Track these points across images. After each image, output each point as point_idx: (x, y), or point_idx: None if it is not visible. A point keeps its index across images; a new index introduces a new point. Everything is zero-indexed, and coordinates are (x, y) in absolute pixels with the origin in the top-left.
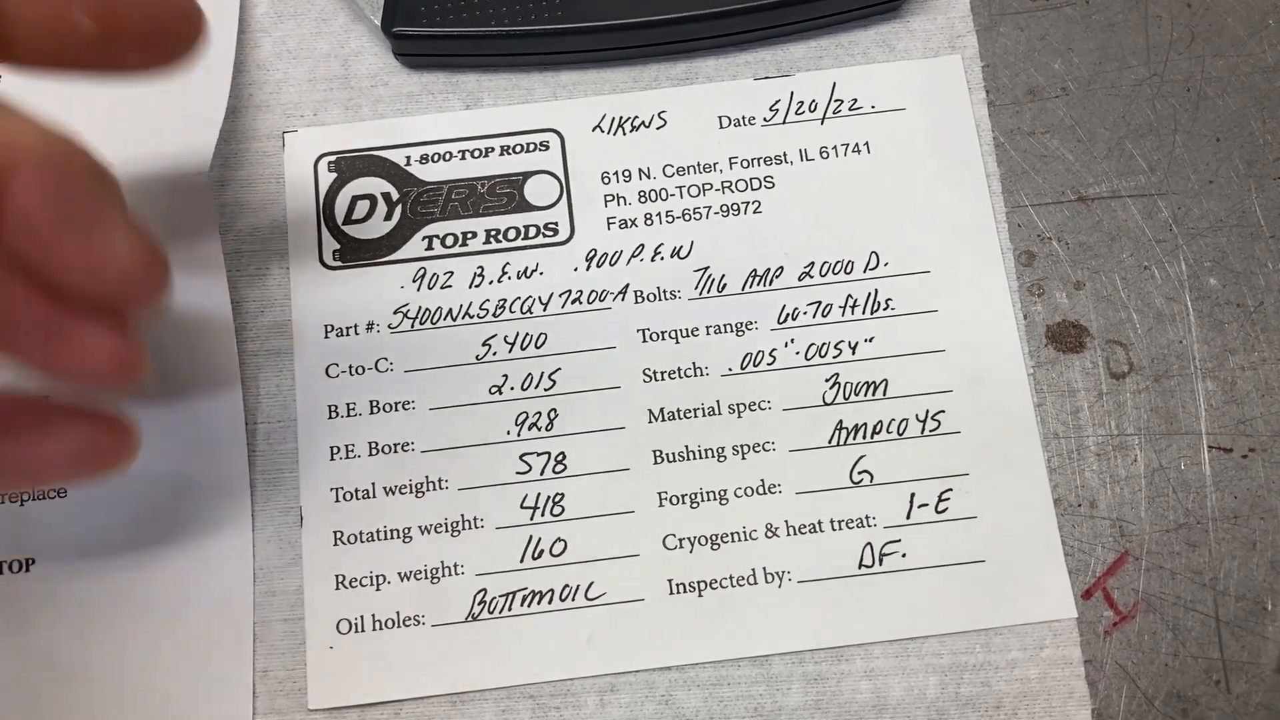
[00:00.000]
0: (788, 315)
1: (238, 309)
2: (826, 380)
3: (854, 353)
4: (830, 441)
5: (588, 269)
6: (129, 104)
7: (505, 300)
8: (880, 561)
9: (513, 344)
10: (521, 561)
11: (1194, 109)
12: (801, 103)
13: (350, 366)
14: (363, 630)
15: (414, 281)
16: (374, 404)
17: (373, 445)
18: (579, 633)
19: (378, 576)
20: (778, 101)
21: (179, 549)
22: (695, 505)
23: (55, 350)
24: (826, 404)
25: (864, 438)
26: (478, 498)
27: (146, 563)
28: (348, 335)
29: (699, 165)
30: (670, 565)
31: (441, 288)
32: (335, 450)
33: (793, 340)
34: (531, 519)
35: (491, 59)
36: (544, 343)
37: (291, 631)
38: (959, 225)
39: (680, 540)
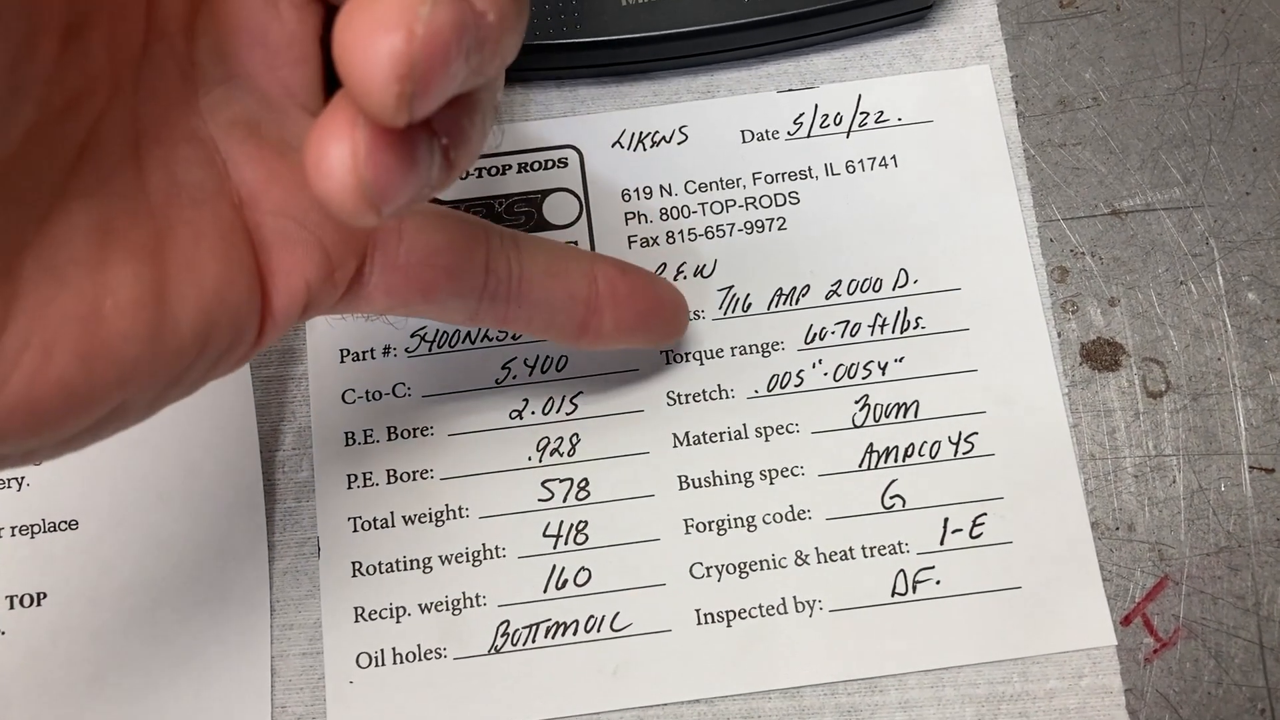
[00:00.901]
0: (815, 335)
1: None
2: (856, 402)
3: (884, 373)
4: (861, 465)
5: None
6: None
7: None
8: (914, 589)
9: (533, 367)
10: (545, 592)
11: (1229, 118)
12: (826, 116)
13: (367, 392)
14: (383, 664)
15: None
16: (392, 430)
17: (391, 473)
18: (605, 665)
19: (398, 608)
20: (802, 115)
21: (193, 582)
22: (723, 532)
23: None
24: (856, 426)
25: (895, 461)
26: (499, 526)
27: (160, 597)
28: (364, 360)
29: (722, 181)
30: (698, 594)
31: None
32: (353, 478)
33: (820, 361)
34: (555, 548)
35: (508, 74)
36: (565, 366)
37: (310, 666)
38: (989, 240)
39: (708, 569)
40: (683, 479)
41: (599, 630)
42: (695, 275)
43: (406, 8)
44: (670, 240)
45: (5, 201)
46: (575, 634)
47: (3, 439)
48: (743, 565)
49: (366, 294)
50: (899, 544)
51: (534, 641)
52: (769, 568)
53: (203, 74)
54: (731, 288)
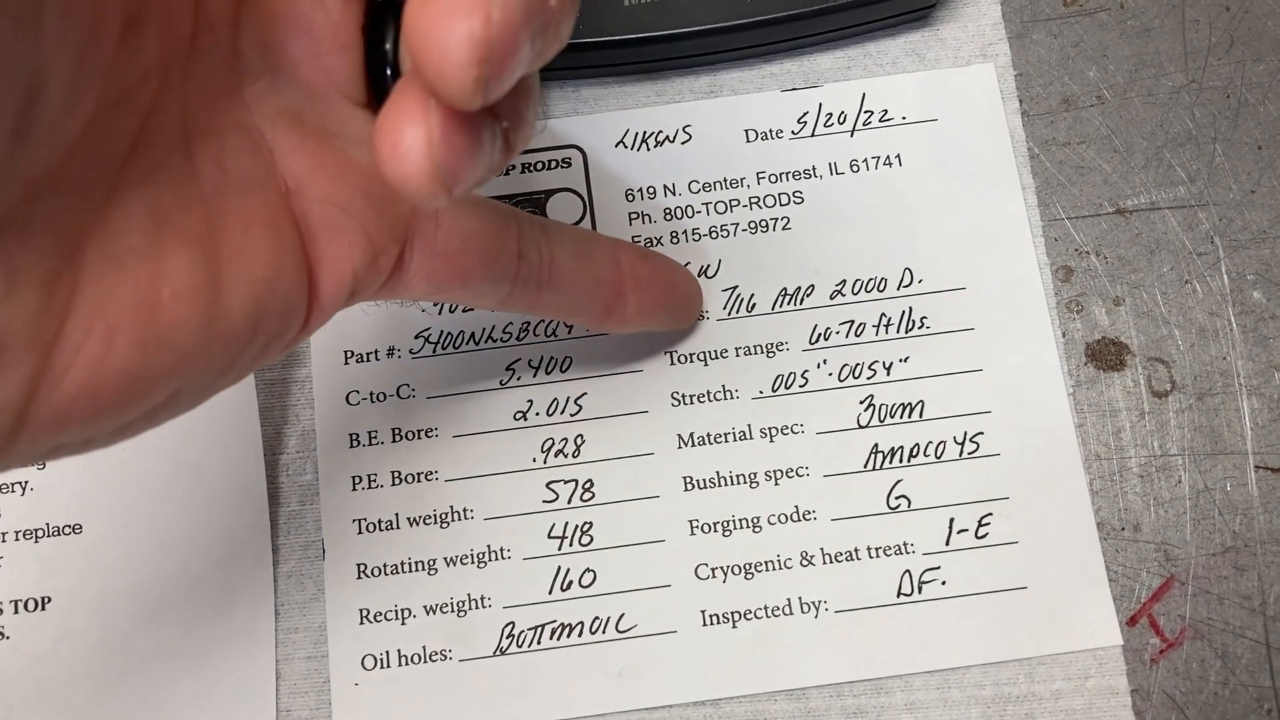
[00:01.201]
0: (819, 335)
1: None
2: (861, 402)
3: (889, 373)
4: (866, 466)
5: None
6: None
7: (529, 323)
8: (919, 589)
9: (537, 368)
10: (550, 593)
11: (1234, 116)
12: (830, 115)
13: (371, 393)
14: (388, 666)
15: (435, 305)
16: (396, 432)
17: (395, 474)
18: (610, 666)
19: (403, 610)
20: (805, 114)
21: (197, 586)
22: (728, 533)
23: None
24: (861, 426)
25: (900, 461)
26: (504, 527)
27: (164, 601)
28: (368, 361)
29: (725, 181)
30: (703, 596)
31: (463, 311)
32: (357, 480)
33: (825, 361)
34: (560, 549)
35: None
36: (569, 366)
37: (315, 669)
38: (994, 240)
39: (713, 570)
40: (688, 480)
41: (604, 631)
42: (700, 275)
43: None
44: (674, 240)
45: (67, 191)
46: (580, 635)
47: (65, 426)
48: (748, 566)
49: (407, 280)
50: (904, 544)
51: (539, 643)
52: (774, 569)
53: (247, 65)
54: (736, 288)
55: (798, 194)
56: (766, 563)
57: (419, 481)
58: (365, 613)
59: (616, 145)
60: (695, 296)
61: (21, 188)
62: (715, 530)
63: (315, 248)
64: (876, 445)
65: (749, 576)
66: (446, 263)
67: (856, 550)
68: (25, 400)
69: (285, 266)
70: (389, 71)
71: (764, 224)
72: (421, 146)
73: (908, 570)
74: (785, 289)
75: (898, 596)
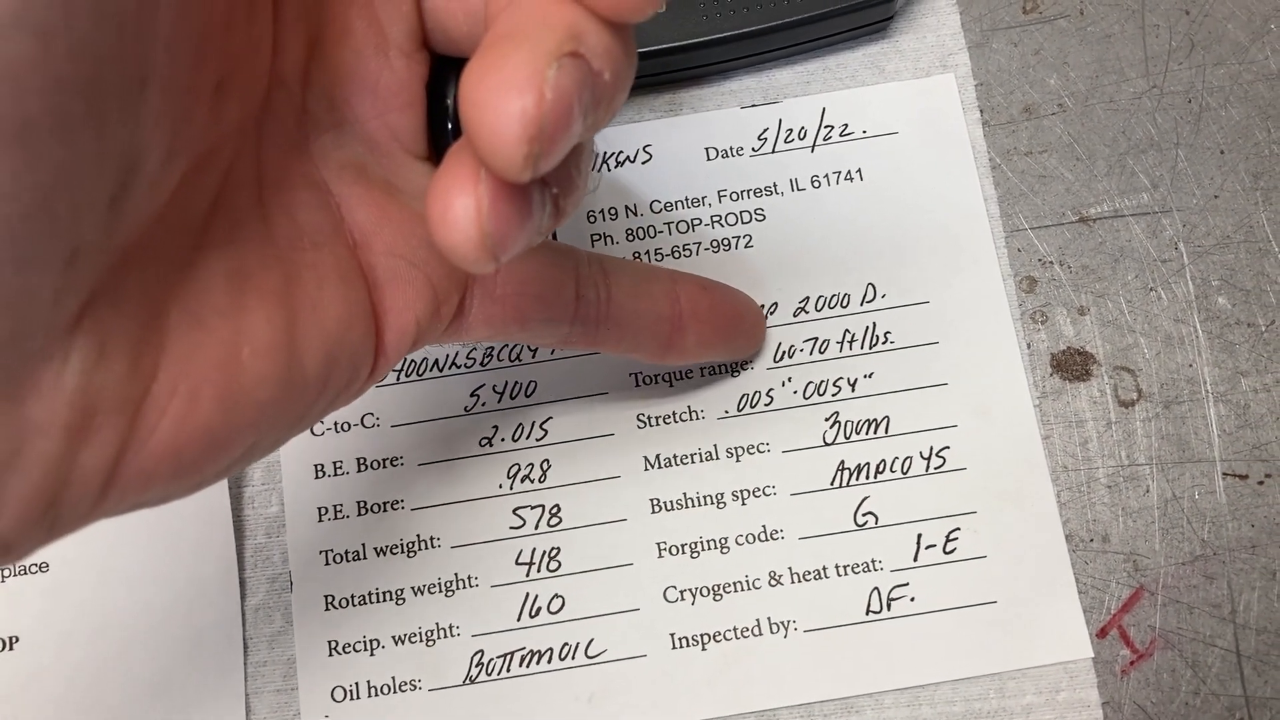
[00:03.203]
0: (784, 353)
1: None
2: (826, 419)
3: (854, 389)
4: (832, 483)
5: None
6: None
7: (492, 348)
8: (888, 606)
9: (502, 394)
10: (519, 620)
11: (1196, 121)
12: (790, 130)
13: (335, 423)
14: (358, 697)
15: None
16: (361, 462)
17: (361, 505)
18: (581, 692)
19: (371, 641)
20: (766, 130)
21: (165, 621)
22: (696, 555)
23: None
24: (827, 444)
25: (867, 478)
26: (471, 555)
27: (132, 637)
28: None
29: (687, 200)
30: (672, 618)
31: None
32: (323, 511)
33: (790, 379)
34: (527, 575)
35: None
36: (534, 391)
37: (285, 703)
38: (957, 252)
39: (681, 592)
40: (654, 502)
41: (574, 657)
42: None
43: (535, 70)
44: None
45: (155, 256)
46: (550, 662)
47: (150, 485)
48: (716, 588)
49: (468, 325)
50: (872, 562)
51: (509, 671)
52: (743, 589)
53: (314, 120)
54: None
55: (759, 211)
56: (735, 583)
57: (385, 511)
58: (334, 644)
59: None
60: (758, 327)
61: (114, 257)
62: (683, 552)
63: (381, 299)
64: (843, 462)
65: (718, 598)
66: (505, 307)
67: (824, 569)
68: (114, 462)
69: (355, 319)
70: (450, 128)
71: (726, 242)
72: (471, 216)
73: (876, 588)
74: None
75: (866, 614)
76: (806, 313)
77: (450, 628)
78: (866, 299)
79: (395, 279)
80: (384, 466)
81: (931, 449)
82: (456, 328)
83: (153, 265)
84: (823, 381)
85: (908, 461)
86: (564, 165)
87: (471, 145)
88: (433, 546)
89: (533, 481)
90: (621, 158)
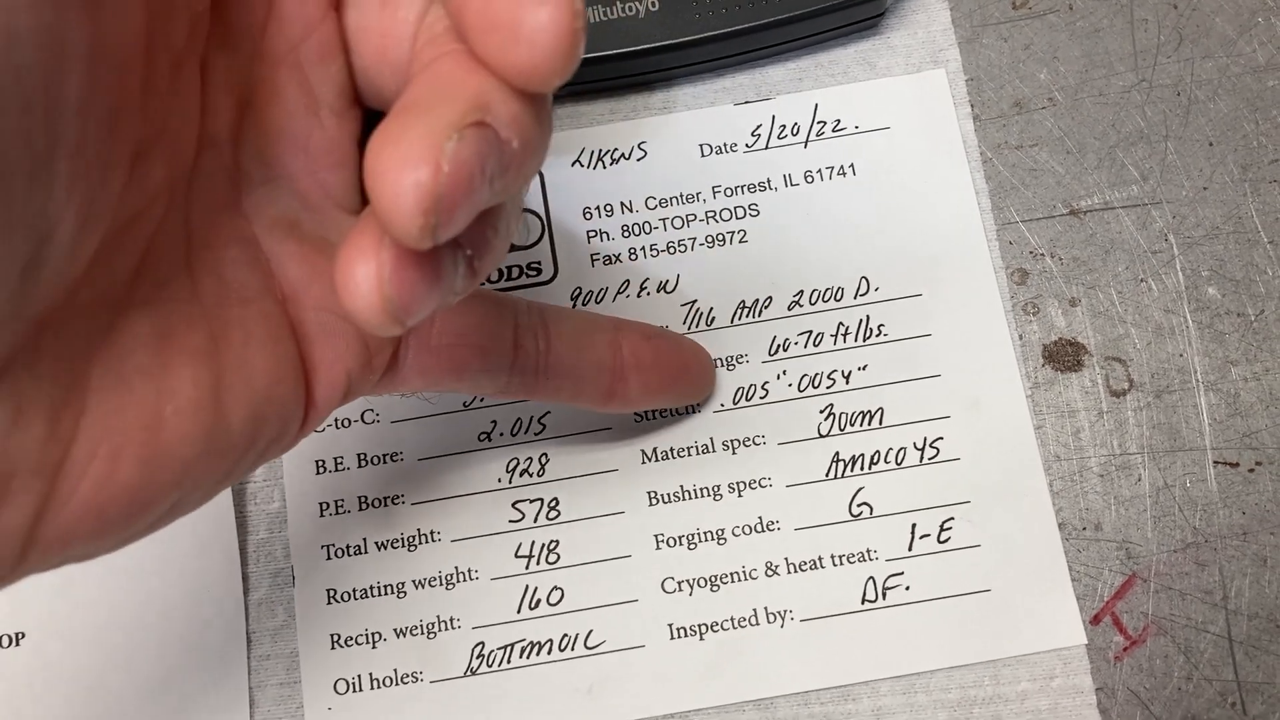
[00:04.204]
0: (778, 347)
1: None
2: (821, 411)
3: (848, 382)
4: (827, 475)
5: (573, 307)
6: None
7: None
8: (883, 596)
9: None
10: (519, 612)
11: (1185, 114)
12: (783, 126)
13: (336, 420)
14: (361, 690)
15: None
16: (362, 457)
17: (362, 499)
18: (580, 683)
19: (373, 634)
20: (759, 126)
21: (169, 617)
22: (693, 546)
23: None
24: (822, 436)
25: (862, 469)
26: (471, 549)
27: (136, 633)
28: None
29: (682, 196)
30: (670, 609)
31: None
32: (325, 506)
33: (785, 372)
34: (527, 568)
35: None
36: None
37: (288, 695)
38: (949, 245)
39: (679, 583)
40: (652, 494)
41: (573, 649)
42: (658, 291)
43: (433, 142)
44: (633, 257)
45: (74, 321)
46: (550, 653)
47: (70, 545)
48: (713, 578)
49: (402, 376)
50: (867, 551)
51: (509, 662)
52: (739, 580)
53: (245, 177)
54: (695, 302)
55: (753, 207)
56: (732, 574)
57: (386, 506)
58: (336, 638)
59: (573, 164)
60: (705, 375)
61: (29, 325)
62: (681, 544)
63: (311, 353)
64: (837, 454)
65: (715, 589)
66: (441, 358)
67: (820, 559)
68: (33, 525)
69: (283, 374)
70: None
71: (721, 238)
72: (372, 282)
73: (871, 577)
74: (743, 302)
75: (862, 604)
76: (800, 306)
77: (451, 620)
78: (860, 292)
79: (325, 333)
80: (384, 462)
81: (925, 440)
82: (391, 379)
83: (72, 328)
84: (817, 374)
85: (902, 452)
86: (478, 227)
87: (373, 212)
88: (433, 540)
89: (531, 475)
90: (616, 155)
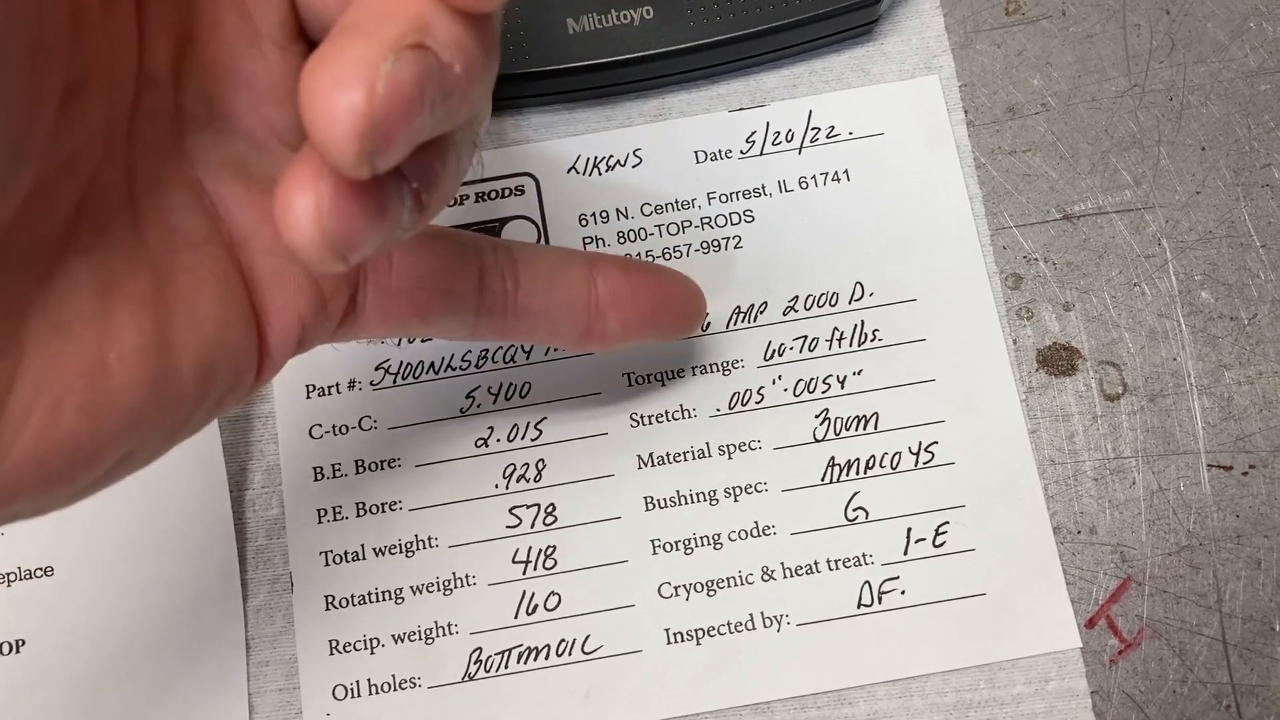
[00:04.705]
0: (774, 352)
1: None
2: (816, 416)
3: (843, 386)
4: (823, 479)
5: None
6: None
7: (487, 350)
8: (879, 600)
9: (497, 395)
10: (516, 618)
11: (1177, 118)
12: (778, 133)
13: (334, 426)
14: (359, 695)
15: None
16: (359, 464)
17: (360, 506)
18: (577, 688)
19: (371, 640)
20: (754, 133)
21: (168, 623)
22: (689, 551)
23: None
24: (817, 440)
25: (857, 473)
26: (469, 554)
27: (135, 640)
28: (329, 394)
29: (677, 203)
30: (667, 614)
31: (422, 341)
32: (323, 513)
33: (780, 377)
34: (524, 573)
35: None
36: (528, 392)
37: (288, 701)
38: (943, 250)
39: (676, 588)
40: (648, 500)
41: (570, 654)
42: None
43: (368, 63)
44: None
45: (8, 265)
46: (547, 658)
47: (15, 497)
48: (710, 583)
49: (362, 322)
50: (863, 556)
51: (507, 667)
52: (736, 584)
53: (190, 118)
54: None
55: (748, 213)
56: (728, 579)
57: (383, 512)
58: (335, 644)
59: (568, 171)
60: (691, 306)
61: None
62: (677, 549)
63: (262, 298)
64: (833, 458)
65: (711, 593)
66: (401, 301)
67: (816, 563)
68: None
69: (233, 321)
70: None
71: (716, 244)
72: (310, 215)
73: (867, 581)
74: (739, 307)
75: (858, 608)
76: (796, 311)
77: (449, 626)
78: (855, 297)
79: (276, 277)
80: (382, 468)
81: (920, 444)
82: (350, 325)
83: (7, 275)
84: (812, 379)
85: (897, 457)
86: (424, 158)
87: (310, 139)
88: (431, 546)
89: (528, 481)
90: (612, 162)
